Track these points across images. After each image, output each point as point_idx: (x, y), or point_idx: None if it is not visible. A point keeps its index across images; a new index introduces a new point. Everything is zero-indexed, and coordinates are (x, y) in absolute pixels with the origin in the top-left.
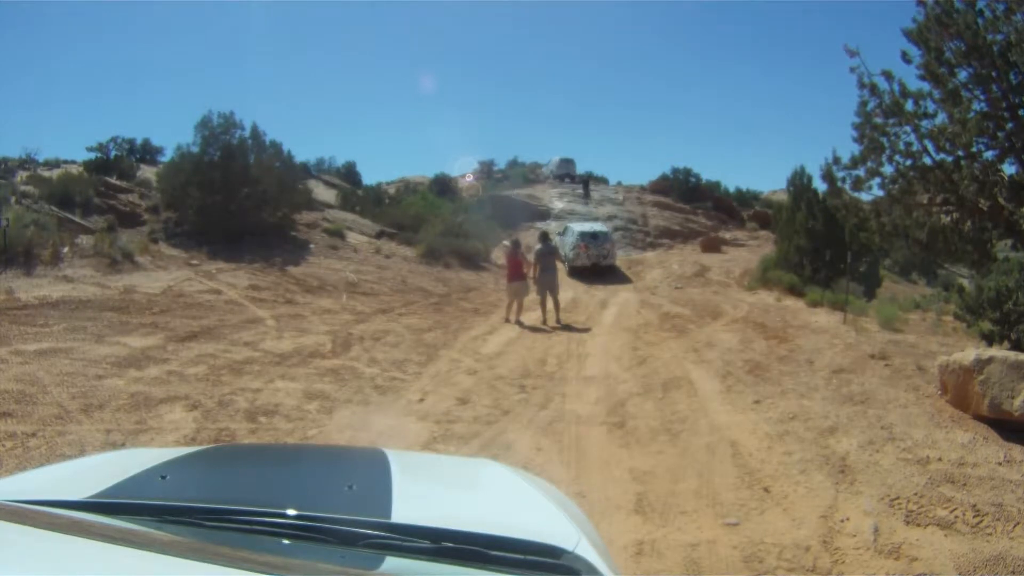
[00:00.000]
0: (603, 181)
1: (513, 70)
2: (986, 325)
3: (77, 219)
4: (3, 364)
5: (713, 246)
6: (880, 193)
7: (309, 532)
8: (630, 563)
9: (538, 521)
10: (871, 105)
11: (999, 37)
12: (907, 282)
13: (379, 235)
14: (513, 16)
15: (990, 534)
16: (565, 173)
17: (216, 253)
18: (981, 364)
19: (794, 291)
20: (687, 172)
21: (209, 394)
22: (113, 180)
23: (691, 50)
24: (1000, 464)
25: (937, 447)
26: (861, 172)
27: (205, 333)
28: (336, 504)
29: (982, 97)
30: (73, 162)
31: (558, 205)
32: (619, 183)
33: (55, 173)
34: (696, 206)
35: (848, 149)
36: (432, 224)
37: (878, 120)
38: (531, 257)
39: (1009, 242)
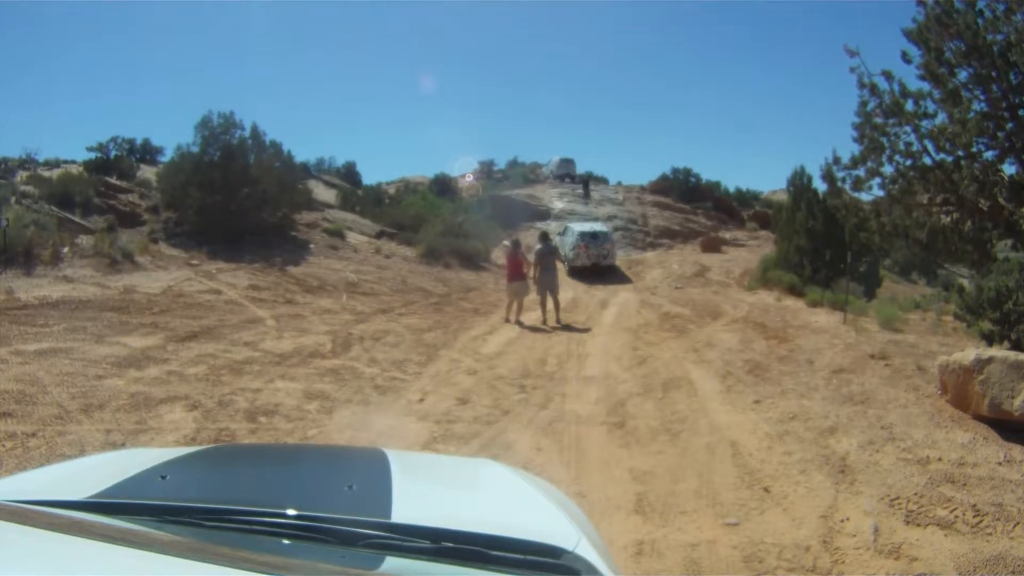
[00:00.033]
0: (603, 181)
1: (513, 70)
2: (986, 325)
3: (77, 219)
4: (3, 364)
5: (713, 246)
6: (880, 193)
7: (309, 532)
8: (630, 563)
9: (538, 521)
10: (871, 105)
11: (999, 37)
12: (907, 282)
13: (379, 235)
14: (513, 16)
15: (990, 534)
16: (565, 173)
17: (216, 253)
18: (981, 364)
19: (794, 291)
20: (687, 172)
21: (209, 394)
22: (113, 180)
23: (691, 50)
24: (1000, 464)
25: (937, 447)
26: (861, 172)
27: (205, 333)
28: (336, 504)
29: (982, 97)
30: (73, 162)
31: (558, 205)
32: (619, 183)
33: (55, 173)
34: (696, 206)
35: (848, 149)
36: (432, 224)
37: (878, 120)
38: (531, 257)
39: (1009, 242)
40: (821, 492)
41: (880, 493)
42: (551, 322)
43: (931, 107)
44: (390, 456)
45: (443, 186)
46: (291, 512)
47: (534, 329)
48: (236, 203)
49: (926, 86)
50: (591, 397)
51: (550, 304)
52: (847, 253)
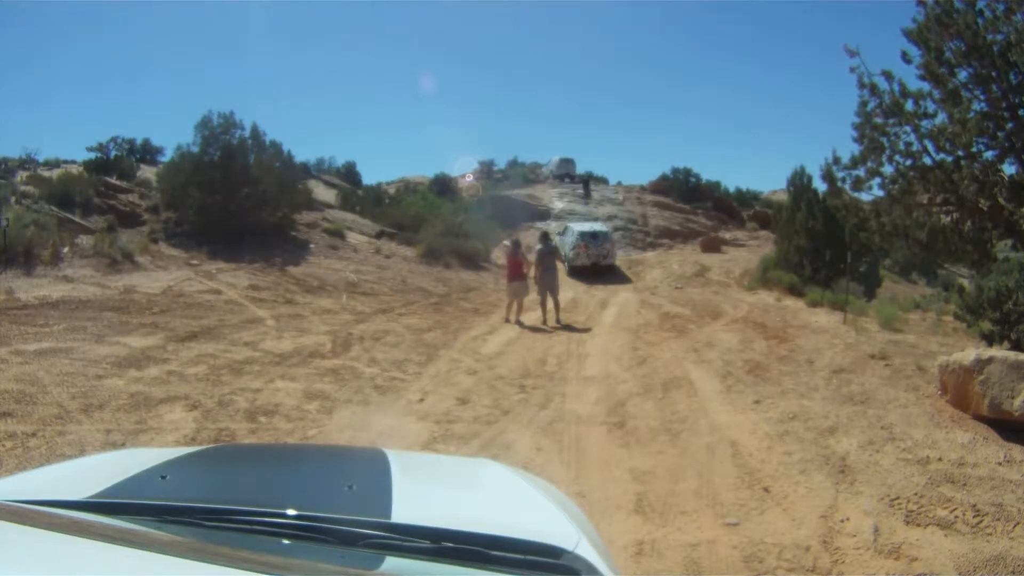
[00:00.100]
0: (603, 181)
1: (513, 70)
2: (986, 325)
3: (77, 219)
4: (3, 364)
5: (713, 246)
6: (880, 193)
7: (309, 532)
8: (630, 563)
9: (538, 521)
10: (871, 105)
11: (999, 37)
12: (907, 282)
13: (379, 235)
14: (513, 16)
15: (990, 534)
16: (565, 173)
17: (216, 253)
18: (981, 364)
19: (794, 291)
20: (687, 172)
21: (209, 394)
22: (113, 180)
23: (691, 50)
24: (1000, 464)
25: (937, 447)
26: (861, 172)
27: (205, 333)
28: (336, 504)
29: (982, 97)
30: (73, 162)
31: (558, 205)
32: (619, 183)
33: (55, 173)
34: (696, 206)
35: (848, 149)
36: (432, 224)
37: (878, 120)
38: (531, 257)
39: (1009, 242)
40: (821, 492)
41: (880, 493)
42: (551, 322)
43: (931, 107)
44: (390, 456)
45: (443, 186)
46: (291, 512)
47: (534, 329)
48: (236, 203)
49: (926, 86)
50: (591, 397)
51: (550, 304)
52: (847, 253)
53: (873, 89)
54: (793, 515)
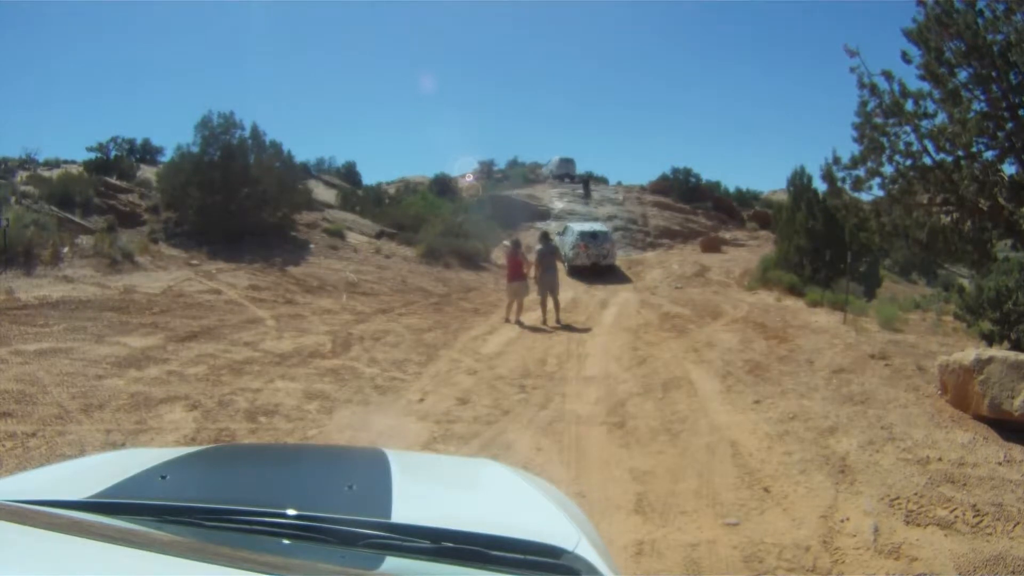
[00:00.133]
0: (603, 181)
1: (513, 70)
2: (986, 325)
3: (77, 219)
4: (3, 364)
5: (713, 246)
6: (880, 193)
7: (309, 532)
8: (630, 563)
9: (538, 521)
10: (871, 105)
11: (999, 37)
12: (907, 282)
13: (379, 235)
14: (513, 16)
15: (990, 534)
16: (565, 173)
17: (216, 253)
18: (981, 364)
19: (794, 291)
20: (687, 172)
21: (209, 394)
22: (113, 180)
23: (691, 50)
24: (1000, 464)
25: (937, 447)
26: (861, 172)
27: (205, 333)
28: (336, 504)
29: (982, 97)
30: (73, 162)
31: (558, 205)
32: (619, 183)
33: (55, 173)
34: (696, 206)
35: (848, 149)
36: (432, 224)
37: (878, 120)
38: (531, 257)
39: (1009, 242)
40: (821, 492)
41: (880, 493)
42: (551, 322)
43: (931, 107)
44: (390, 456)
45: (443, 186)
46: (291, 512)
47: (534, 329)
48: (236, 203)
49: (926, 86)
50: (591, 397)
51: (550, 304)
52: (847, 253)
53: (873, 89)
54: (793, 515)
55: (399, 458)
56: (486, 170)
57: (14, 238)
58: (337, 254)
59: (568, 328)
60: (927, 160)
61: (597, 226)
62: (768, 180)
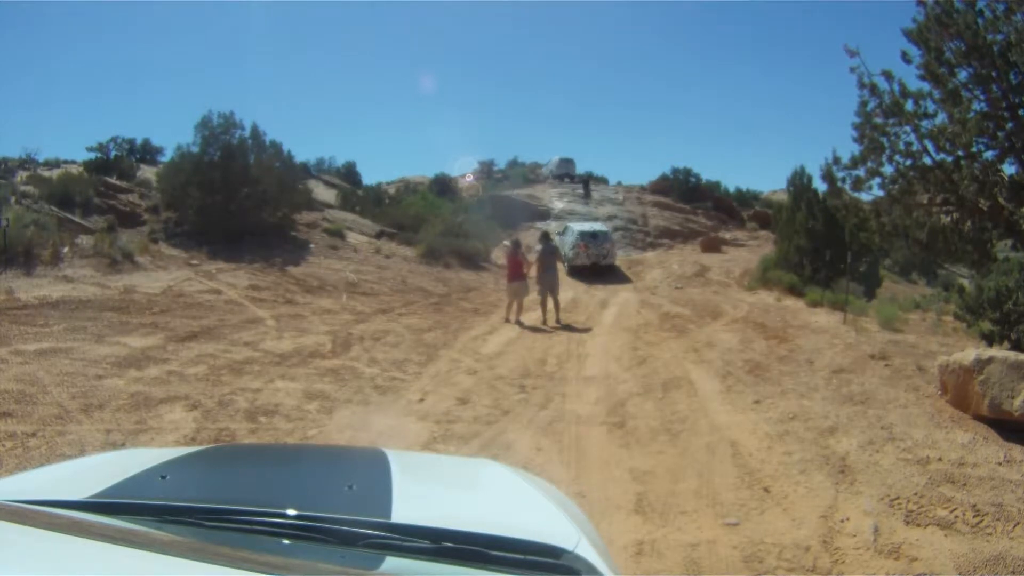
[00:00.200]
0: (603, 181)
1: (513, 70)
2: (986, 325)
3: (77, 219)
4: (3, 364)
5: (713, 246)
6: (880, 193)
7: (309, 532)
8: (630, 563)
9: (538, 521)
10: (871, 105)
11: (999, 37)
12: (907, 282)
13: (379, 235)
14: (513, 16)
15: (990, 534)
16: (564, 173)
17: (216, 253)
18: (981, 364)
19: (794, 291)
20: (687, 172)
21: (209, 394)
22: (113, 180)
23: (691, 50)
24: (1000, 464)
25: (937, 447)
26: (861, 172)
27: (205, 333)
28: (336, 504)
29: (982, 97)
30: (73, 162)
31: (558, 205)
32: (619, 183)
33: (55, 173)
34: (696, 206)
35: (848, 149)
36: (432, 224)
37: (878, 120)
38: (531, 257)
39: (1009, 242)
40: (821, 492)
41: (880, 493)
42: (551, 322)
43: (931, 107)
44: (390, 456)
45: (443, 186)
46: (291, 512)
47: (534, 329)
48: (236, 203)
49: (926, 86)
50: (591, 397)
51: (550, 304)
52: (847, 253)
53: (873, 89)
54: (793, 515)
55: (399, 458)
56: (486, 170)
57: (14, 238)
58: (337, 254)
59: (568, 328)
60: (927, 160)
61: (597, 226)
62: (768, 180)
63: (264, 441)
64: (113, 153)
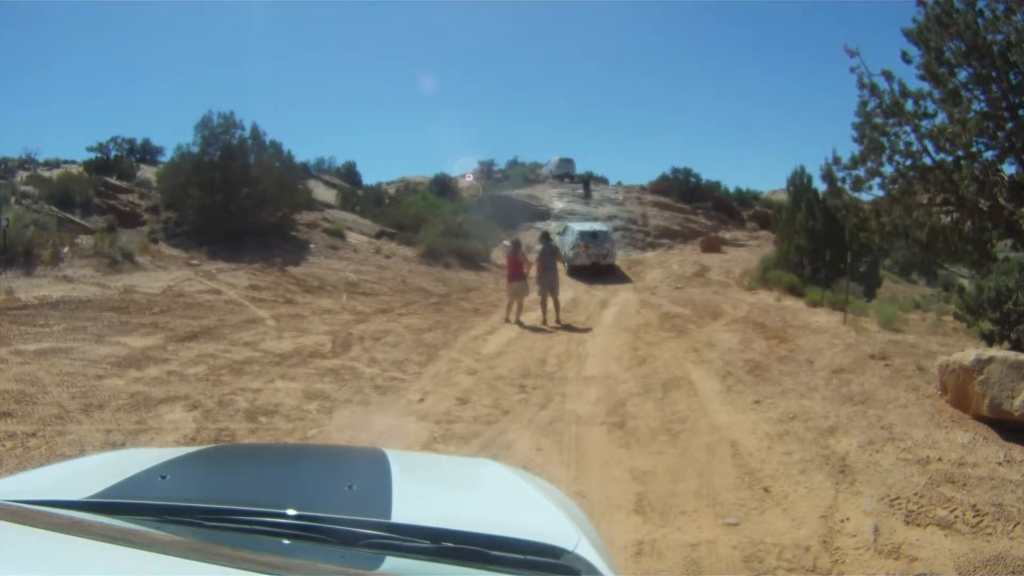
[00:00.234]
0: (603, 181)
1: (513, 70)
2: (986, 325)
3: (77, 219)
4: (3, 364)
5: (713, 246)
6: (880, 193)
7: (309, 532)
8: (630, 563)
9: (538, 521)
10: (871, 105)
11: (999, 37)
12: (907, 282)
13: (379, 235)
14: (513, 16)
15: (990, 534)
16: (564, 173)
17: (216, 253)
18: (981, 364)
19: (794, 291)
20: (687, 172)
21: (209, 394)
22: (113, 180)
23: (691, 50)
24: (1000, 464)
25: (937, 447)
26: (861, 172)
27: (205, 333)
28: (336, 504)
29: (982, 97)
30: (73, 162)
31: (558, 205)
32: (619, 183)
33: (55, 173)
34: (696, 206)
35: (848, 149)
36: (432, 224)
37: (878, 120)
38: (532, 257)
39: (1009, 242)
40: (821, 492)
41: (880, 493)
42: (551, 322)
43: (931, 107)
44: (390, 456)
45: (443, 186)
46: (291, 512)
47: (534, 329)
48: (236, 203)
49: (926, 86)
50: (591, 397)
51: (550, 304)
52: (847, 253)
53: (873, 89)
54: (793, 515)
55: (399, 458)
56: (486, 170)
57: (14, 238)
58: (337, 254)
59: (568, 328)
60: (927, 160)
61: (597, 226)
62: (768, 180)
63: (264, 441)
64: (113, 153)
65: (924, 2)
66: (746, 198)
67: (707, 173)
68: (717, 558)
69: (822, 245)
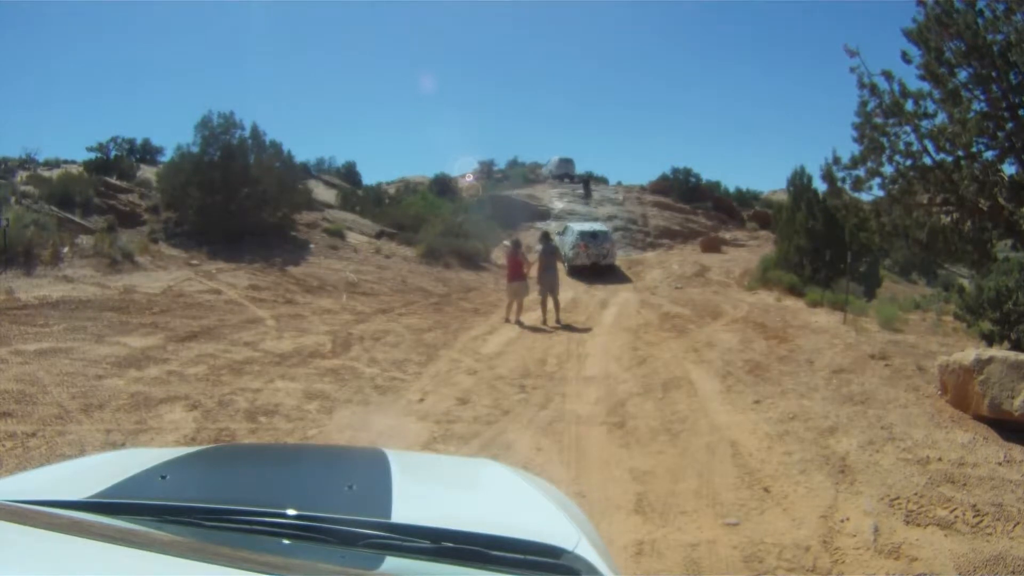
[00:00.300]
0: (603, 181)
1: (513, 70)
2: (986, 325)
3: (77, 219)
4: (3, 364)
5: (713, 246)
6: (880, 193)
7: (309, 532)
8: (630, 563)
9: (538, 521)
10: (871, 105)
11: (999, 37)
12: (907, 282)
13: (379, 235)
14: (513, 16)
15: (990, 534)
16: (564, 173)
17: (216, 253)
18: (981, 364)
19: (794, 291)
20: (687, 172)
21: (209, 394)
22: (113, 180)
23: (691, 50)
24: (1000, 464)
25: (937, 447)
26: (861, 172)
27: (205, 333)
28: (336, 504)
29: (982, 97)
30: (73, 162)
31: (558, 205)
32: (619, 183)
33: (55, 173)
34: (696, 206)
35: (848, 149)
36: (432, 224)
37: (878, 120)
38: (532, 257)
39: (1009, 242)
40: (821, 492)
41: (880, 493)
42: (551, 322)
43: (931, 107)
44: (390, 456)
45: (443, 186)
46: (291, 512)
47: (534, 329)
48: (236, 203)
49: (926, 86)
50: (591, 397)
51: (550, 304)
52: (847, 253)
53: (873, 89)
54: (793, 515)
55: (399, 458)
56: (486, 170)
57: (14, 238)
58: (337, 254)
59: (568, 328)
60: (927, 160)
61: (597, 226)
62: (768, 180)
63: (264, 441)
64: (113, 153)
65: (924, 2)
66: (746, 198)
67: (707, 173)
68: (717, 558)
69: (822, 245)
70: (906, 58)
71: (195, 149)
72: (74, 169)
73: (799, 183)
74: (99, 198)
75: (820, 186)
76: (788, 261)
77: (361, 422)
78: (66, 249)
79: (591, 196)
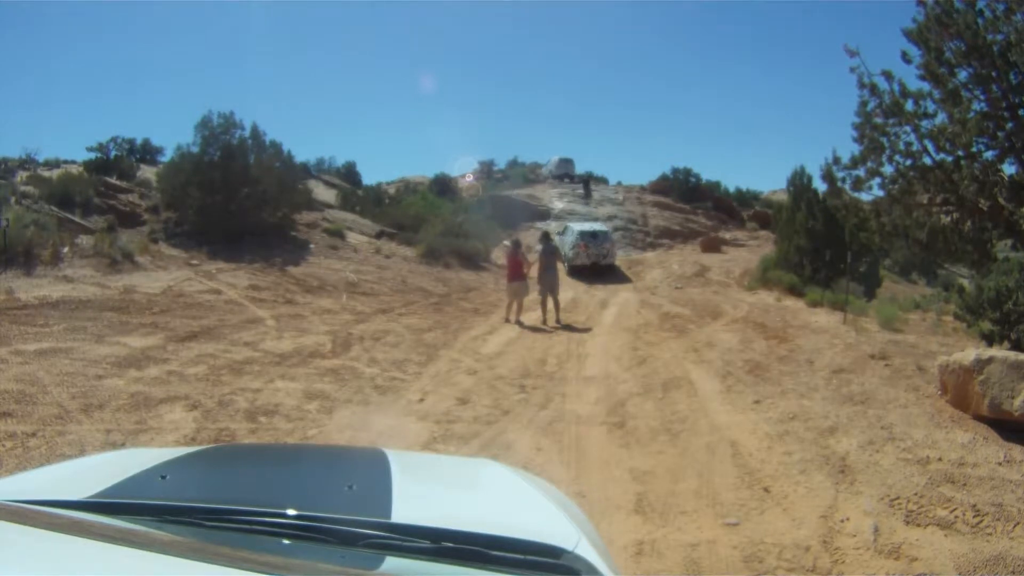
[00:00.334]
0: (603, 181)
1: (513, 70)
2: (986, 325)
3: (77, 219)
4: (3, 364)
5: (713, 246)
6: (880, 193)
7: (309, 532)
8: (630, 563)
9: (538, 521)
10: (871, 105)
11: (999, 37)
12: (907, 282)
13: (379, 235)
14: (513, 16)
15: (990, 534)
16: (564, 173)
17: (216, 253)
18: (981, 364)
19: (794, 291)
20: (687, 172)
21: (209, 394)
22: (113, 180)
23: (691, 50)
24: (1000, 464)
25: (937, 447)
26: (861, 172)
27: (205, 333)
28: (336, 504)
29: (982, 97)
30: (73, 162)
31: (558, 205)
32: (619, 183)
33: (55, 173)
34: (696, 206)
35: (848, 149)
36: (432, 224)
37: (878, 120)
38: (532, 257)
39: (1009, 242)
40: (821, 492)
41: (880, 493)
42: (551, 322)
43: (931, 107)
44: (390, 456)
45: (443, 186)
46: (291, 512)
47: (534, 329)
48: (236, 203)
49: (926, 86)
50: (591, 397)
51: (550, 304)
52: (847, 253)
53: (873, 89)
54: (793, 515)
55: (399, 458)
56: (486, 170)
57: (14, 238)
58: (337, 254)
59: (568, 328)
60: (927, 160)
61: (597, 226)
62: (768, 180)
63: (264, 441)
64: (113, 153)
65: (924, 2)
66: (746, 198)
67: (707, 173)
68: (717, 558)
69: (822, 245)
70: (906, 58)
71: (195, 149)
72: (74, 169)
73: (799, 183)
74: (99, 198)
75: (820, 186)
76: (788, 261)
77: (361, 422)
78: (66, 249)
79: (591, 196)
